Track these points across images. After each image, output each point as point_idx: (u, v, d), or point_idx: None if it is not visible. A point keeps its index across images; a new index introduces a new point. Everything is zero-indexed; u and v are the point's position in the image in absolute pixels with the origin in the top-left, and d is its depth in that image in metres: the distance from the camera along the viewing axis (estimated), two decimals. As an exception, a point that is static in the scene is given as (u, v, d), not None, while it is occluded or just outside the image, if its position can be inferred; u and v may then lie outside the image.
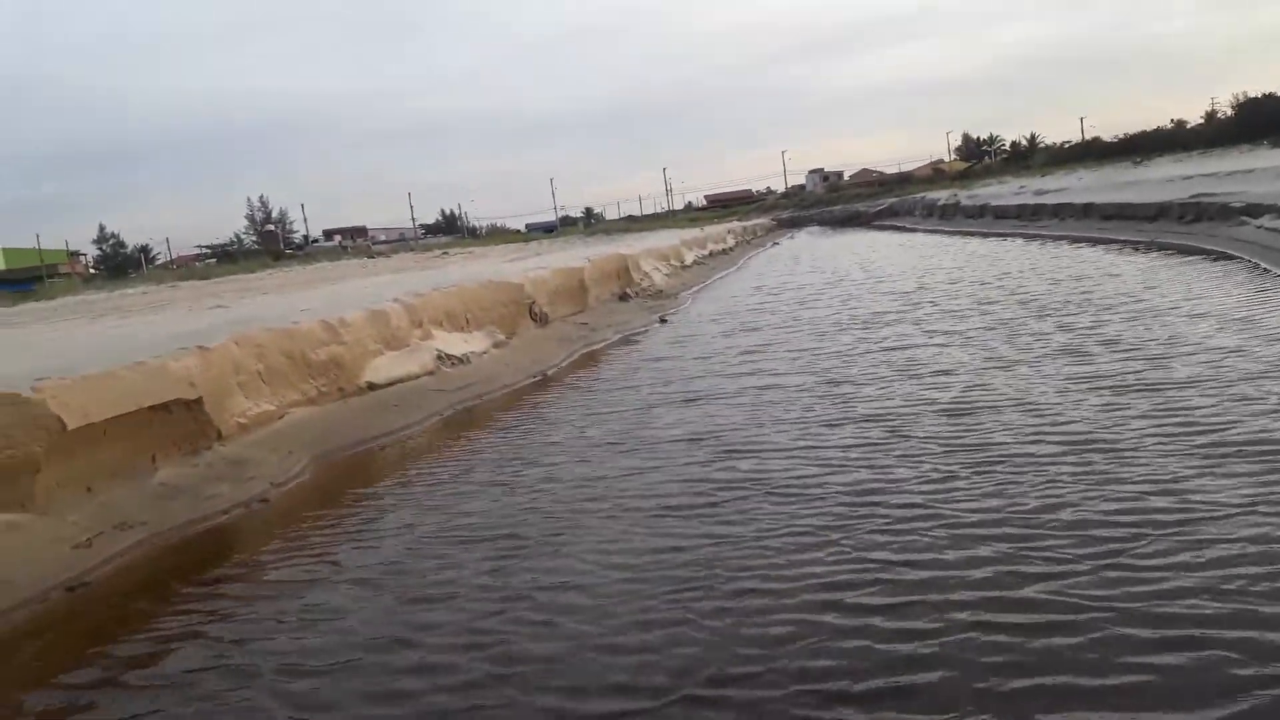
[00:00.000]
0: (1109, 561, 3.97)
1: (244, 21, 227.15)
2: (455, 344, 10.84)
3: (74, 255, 68.38)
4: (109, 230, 72.52)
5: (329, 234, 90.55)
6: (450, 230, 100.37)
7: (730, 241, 37.94)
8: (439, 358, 10.27)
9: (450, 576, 4.77)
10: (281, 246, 71.87)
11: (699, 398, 8.53)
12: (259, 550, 5.73)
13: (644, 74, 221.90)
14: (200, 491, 6.54)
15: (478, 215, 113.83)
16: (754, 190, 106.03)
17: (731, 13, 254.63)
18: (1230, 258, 14.53)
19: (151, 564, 5.62)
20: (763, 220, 58.93)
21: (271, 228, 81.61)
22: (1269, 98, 42.58)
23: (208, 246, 78.50)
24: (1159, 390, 6.71)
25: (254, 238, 79.24)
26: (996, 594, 3.81)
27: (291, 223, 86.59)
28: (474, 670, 3.73)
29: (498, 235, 78.90)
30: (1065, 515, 4.56)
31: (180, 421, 7.09)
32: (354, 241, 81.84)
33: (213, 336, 8.21)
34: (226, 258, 63.09)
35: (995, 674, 3.21)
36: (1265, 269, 12.79)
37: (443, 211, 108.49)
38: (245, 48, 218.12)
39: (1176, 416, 6.00)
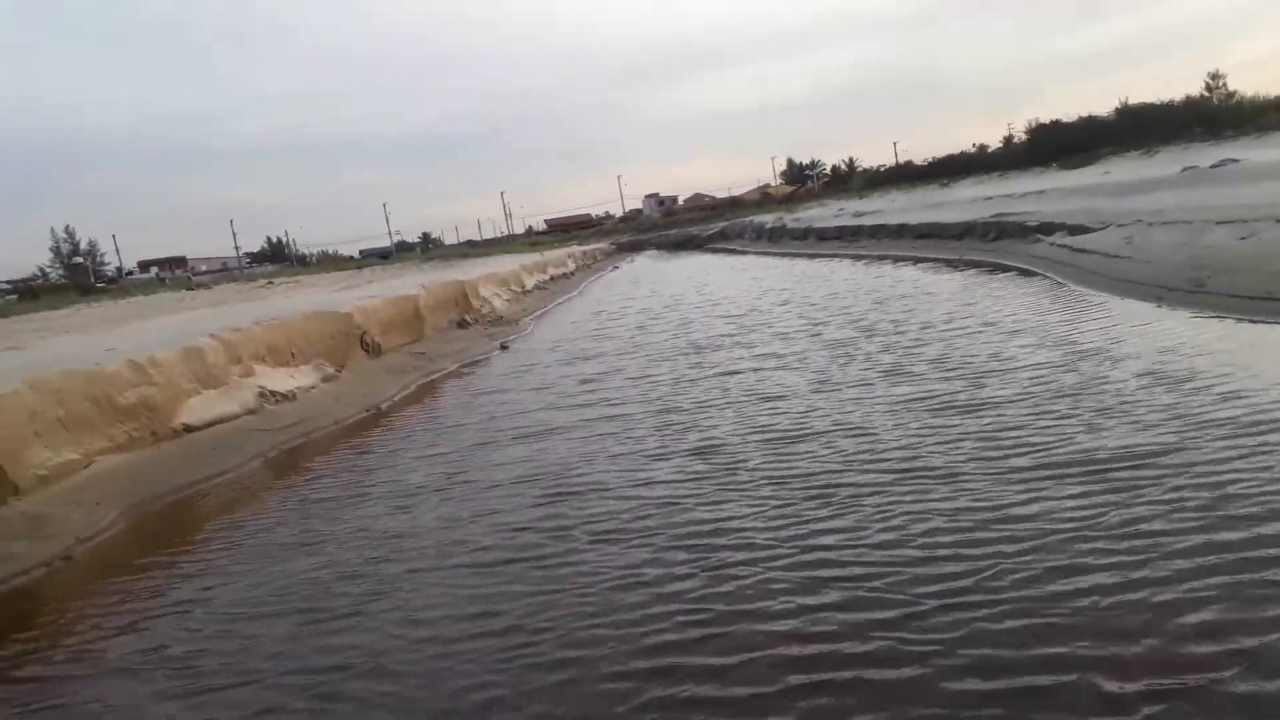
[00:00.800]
0: (953, 600, 3.93)
1: (44, 34, 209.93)
2: (279, 380, 10.39)
3: None
4: (-115, 268, 64.94)
5: (145, 265, 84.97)
6: (277, 258, 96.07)
7: (571, 266, 38.22)
8: (261, 395, 9.81)
9: (242, 661, 4.36)
10: (92, 280, 66.60)
11: (533, 433, 8.43)
12: (52, 621, 5.28)
13: (482, 97, 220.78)
14: (-7, 553, 5.98)
15: (307, 242, 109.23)
16: (593, 214, 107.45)
17: (568, 38, 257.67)
18: (1030, 273, 15.77)
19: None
20: (602, 244, 59.80)
21: (80, 260, 75.58)
22: (1056, 124, 46.90)
23: (8, 282, 71.67)
24: (984, 410, 6.90)
25: (61, 272, 73.09)
26: (834, 644, 3.71)
27: (103, 254, 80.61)
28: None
29: (329, 263, 76.18)
30: (905, 548, 4.53)
31: (-34, 477, 6.48)
32: (172, 273, 77.05)
33: (6, 381, 7.55)
34: (29, 294, 57.75)
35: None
36: (1060, 283, 13.94)
37: (269, 239, 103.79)
38: (47, 63, 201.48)
39: (1004, 436, 6.13)
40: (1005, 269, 17.16)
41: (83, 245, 79.07)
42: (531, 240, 78.48)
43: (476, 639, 4.23)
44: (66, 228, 78.13)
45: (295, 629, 4.64)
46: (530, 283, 27.62)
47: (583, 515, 5.78)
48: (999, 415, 6.73)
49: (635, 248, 61.54)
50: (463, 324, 17.62)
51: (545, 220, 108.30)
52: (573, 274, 36.23)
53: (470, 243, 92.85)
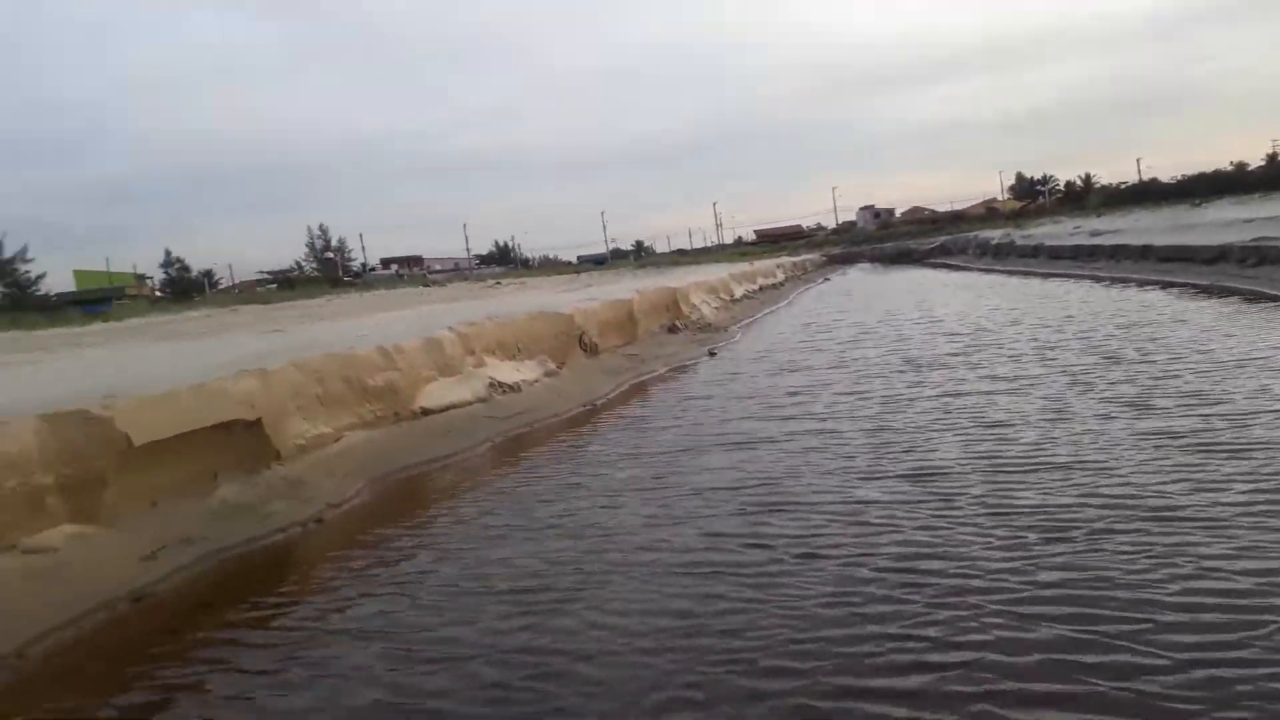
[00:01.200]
0: (1212, 655, 3.56)
1: (302, 55, 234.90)
2: (507, 372, 11.05)
3: (141, 278, 70.58)
4: (174, 255, 74.59)
5: (386, 262, 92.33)
6: (503, 261, 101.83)
7: (780, 276, 37.95)
8: (491, 385, 10.50)
9: (456, 638, 4.59)
10: (340, 274, 73.44)
11: (738, 442, 8.39)
12: (303, 575, 5.89)
13: (694, 109, 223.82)
14: (259, 510, 6.75)
15: (530, 247, 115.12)
16: (804, 226, 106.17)
17: (782, 49, 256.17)
18: (1299, 306, 14.07)
19: (210, 579, 5.82)
20: (813, 256, 58.85)
21: (331, 256, 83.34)
22: (1335, 141, 41.44)
23: (269, 272, 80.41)
24: (1251, 453, 6.12)
25: (314, 265, 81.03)
26: (1071, 710, 3.36)
27: (350, 251, 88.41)
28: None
29: (549, 267, 79.98)
30: (1155, 603, 4.07)
31: (241, 441, 7.32)
32: (410, 270, 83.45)
33: (272, 360, 8.47)
34: (287, 284, 64.62)
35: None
36: (1336, 318, 12.35)
37: (496, 243, 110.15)
38: (304, 80, 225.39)
39: (1276, 484, 5.48)
40: (1268, 298, 15.29)
41: (333, 242, 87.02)
42: (740, 250, 78.59)
43: (675, 644, 4.22)
44: (320, 226, 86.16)
45: (506, 612, 4.84)
46: (739, 291, 27.67)
47: (787, 530, 5.66)
48: (1270, 460, 5.96)
49: (847, 260, 60.18)
50: (673, 329, 17.94)
51: (755, 230, 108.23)
52: (782, 284, 35.95)
53: (680, 251, 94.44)
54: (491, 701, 3.90)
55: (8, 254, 48.92)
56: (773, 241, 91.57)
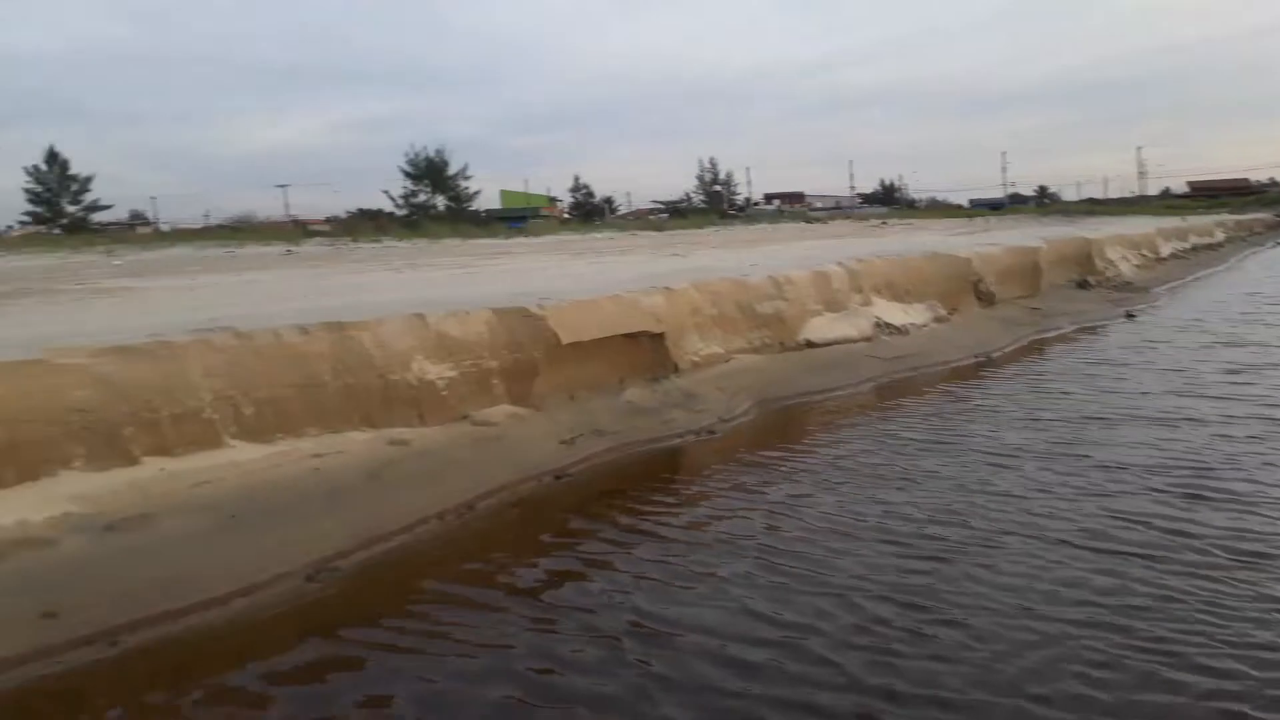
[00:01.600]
0: None
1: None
2: (894, 313, 10.83)
3: (553, 200, 78.71)
4: (581, 180, 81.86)
5: (768, 197, 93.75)
6: (888, 201, 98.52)
7: (1219, 236, 32.58)
8: (877, 325, 10.38)
9: (827, 572, 4.57)
10: (726, 206, 76.04)
11: (1157, 418, 7.44)
12: (695, 479, 6.31)
13: (1115, 39, 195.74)
14: (658, 414, 7.37)
15: (918, 188, 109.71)
16: (1252, 180, 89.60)
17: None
18: None
19: (615, 469, 6.50)
20: (1263, 215, 49.66)
21: (718, 188, 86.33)
22: None
23: (661, 202, 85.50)
24: None
25: (702, 196, 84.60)
26: None
27: (735, 185, 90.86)
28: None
29: (938, 209, 76.10)
30: None
31: (645, 351, 7.99)
32: (791, 206, 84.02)
33: (673, 281, 9.06)
34: (677, 213, 68.40)
35: None
36: None
37: (881, 182, 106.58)
38: (693, 17, 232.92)
39: None
40: None
41: (721, 175, 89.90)
42: (1168, 203, 68.55)
43: (1067, 630, 3.84)
44: (710, 159, 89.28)
45: (879, 557, 4.77)
46: (1165, 250, 24.25)
47: (1215, 523, 4.95)
48: None
49: (1311, 223, 49.97)
50: (1083, 284, 16.31)
51: (1188, 183, 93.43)
52: (1220, 245, 30.85)
53: (1093, 200, 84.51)
54: (844, 646, 3.83)
55: (451, 171, 56.52)
56: (1210, 195, 78.55)
